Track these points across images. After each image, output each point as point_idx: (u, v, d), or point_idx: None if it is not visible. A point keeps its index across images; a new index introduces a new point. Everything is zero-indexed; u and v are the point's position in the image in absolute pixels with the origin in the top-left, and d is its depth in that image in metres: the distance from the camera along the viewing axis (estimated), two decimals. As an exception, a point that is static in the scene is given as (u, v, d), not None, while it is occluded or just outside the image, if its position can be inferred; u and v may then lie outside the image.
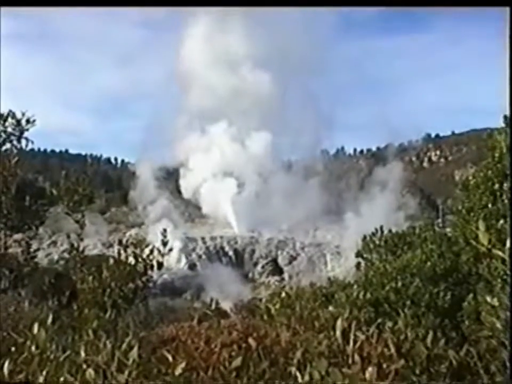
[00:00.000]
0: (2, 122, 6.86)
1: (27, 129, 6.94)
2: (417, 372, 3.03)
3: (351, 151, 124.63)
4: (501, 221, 7.19)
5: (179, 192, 76.61)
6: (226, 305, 35.94)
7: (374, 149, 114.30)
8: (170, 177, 79.71)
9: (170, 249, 7.12)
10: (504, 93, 4.79)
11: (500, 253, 3.15)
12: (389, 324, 3.39)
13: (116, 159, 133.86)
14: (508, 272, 3.32)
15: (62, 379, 3.10)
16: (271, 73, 77.47)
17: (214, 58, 78.60)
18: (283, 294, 6.04)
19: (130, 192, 78.76)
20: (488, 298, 3.29)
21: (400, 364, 2.73)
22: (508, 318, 3.20)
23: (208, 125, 77.03)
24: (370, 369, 2.58)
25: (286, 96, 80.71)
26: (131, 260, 6.95)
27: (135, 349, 3.11)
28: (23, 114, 6.89)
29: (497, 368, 3.09)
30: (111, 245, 60.50)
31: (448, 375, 3.11)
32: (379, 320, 5.72)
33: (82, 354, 3.36)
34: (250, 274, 61.67)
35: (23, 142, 6.99)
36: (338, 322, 3.01)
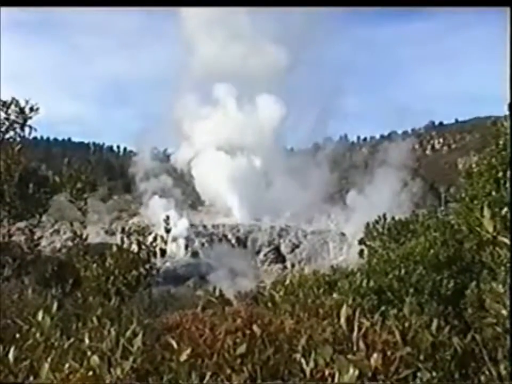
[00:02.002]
0: (5, 109, 6.84)
1: (30, 117, 6.92)
2: (422, 358, 3.04)
3: (355, 139, 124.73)
4: (505, 209, 7.17)
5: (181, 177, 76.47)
6: (229, 293, 36.02)
7: (377, 136, 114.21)
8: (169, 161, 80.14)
9: (168, 230, 7.12)
10: (505, 89, 4.77)
11: (506, 240, 3.14)
12: (393, 311, 3.39)
13: (118, 147, 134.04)
14: (513, 259, 3.31)
15: (66, 366, 3.11)
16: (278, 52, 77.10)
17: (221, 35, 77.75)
18: (287, 282, 6.05)
19: (129, 171, 79.21)
20: (494, 285, 3.29)
21: (405, 351, 2.73)
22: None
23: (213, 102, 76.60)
24: (375, 355, 2.58)
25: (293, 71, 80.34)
26: (134, 247, 6.97)
27: (140, 336, 3.12)
28: (27, 102, 6.88)
29: (503, 355, 3.09)
30: (113, 233, 60.70)
31: (453, 362, 3.11)
32: (382, 308, 5.73)
33: (87, 341, 3.37)
34: (253, 262, 61.76)
35: (26, 130, 6.98)
36: (343, 309, 3.00)
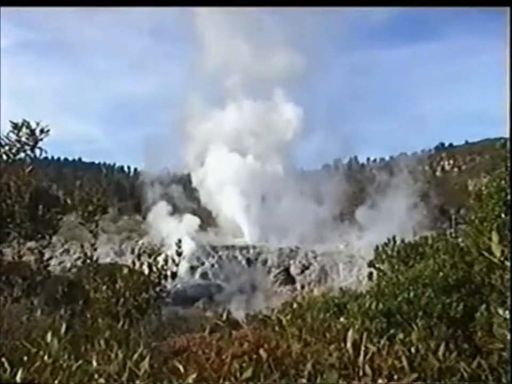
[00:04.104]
0: (16, 131, 6.90)
1: (41, 139, 6.98)
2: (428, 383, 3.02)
3: (364, 160, 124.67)
4: (514, 231, 7.16)
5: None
6: (238, 314, 35.86)
7: (387, 158, 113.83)
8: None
9: (180, 254, 7.11)
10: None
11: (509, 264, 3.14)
12: (401, 335, 3.38)
13: (129, 167, 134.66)
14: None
15: (73, 388, 3.12)
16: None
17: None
18: (295, 305, 6.04)
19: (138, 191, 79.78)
20: (500, 311, 3.28)
21: (411, 377, 2.72)
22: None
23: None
24: (380, 381, 2.58)
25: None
26: (144, 268, 6.98)
27: (147, 359, 3.13)
28: (37, 123, 6.93)
29: (509, 381, 3.07)
30: (123, 253, 60.68)
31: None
32: (391, 331, 5.70)
33: (94, 363, 3.38)
34: (263, 284, 61.53)
35: (37, 151, 7.03)
36: (349, 333, 3.00)
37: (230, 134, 75.01)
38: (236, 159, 72.53)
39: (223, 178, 70.21)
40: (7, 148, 6.93)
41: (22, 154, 7.03)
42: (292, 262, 63.69)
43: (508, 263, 3.21)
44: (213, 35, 76.78)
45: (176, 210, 68.83)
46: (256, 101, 77.24)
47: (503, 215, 8.75)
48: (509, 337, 3.05)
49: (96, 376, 3.14)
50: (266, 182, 72.27)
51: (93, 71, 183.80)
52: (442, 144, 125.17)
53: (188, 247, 54.91)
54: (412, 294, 9.18)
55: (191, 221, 66.21)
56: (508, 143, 8.82)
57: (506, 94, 4.71)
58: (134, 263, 7.01)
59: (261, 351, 3.44)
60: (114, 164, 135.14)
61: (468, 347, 7.12)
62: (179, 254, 7.05)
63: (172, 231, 58.41)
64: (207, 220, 73.12)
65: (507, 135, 8.66)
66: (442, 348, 3.13)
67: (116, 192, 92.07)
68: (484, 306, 8.33)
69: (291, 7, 59.31)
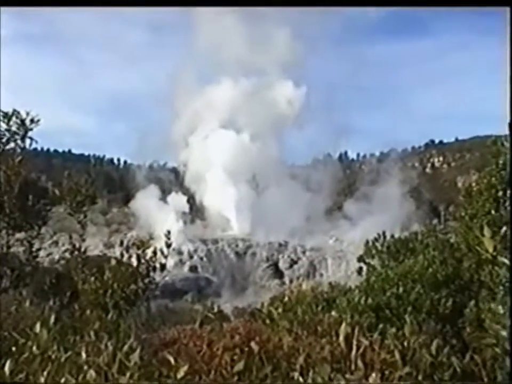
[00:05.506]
0: (6, 121, 6.84)
1: (31, 129, 6.92)
2: (420, 378, 3.01)
3: (354, 156, 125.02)
4: (504, 228, 7.16)
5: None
6: (227, 308, 35.90)
7: (377, 154, 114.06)
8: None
9: (169, 245, 7.06)
10: (505, 107, 4.79)
11: (505, 260, 3.13)
12: (392, 330, 3.36)
13: (118, 160, 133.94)
14: None
15: (62, 380, 3.09)
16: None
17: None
18: (285, 298, 6.02)
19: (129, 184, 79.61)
20: (493, 306, 3.27)
21: (404, 371, 2.71)
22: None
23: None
24: (373, 375, 2.56)
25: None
26: (133, 260, 6.94)
27: (137, 351, 3.10)
28: (28, 113, 6.88)
29: (502, 376, 3.07)
30: (112, 246, 60.56)
31: (452, 382, 3.08)
32: (380, 326, 5.69)
33: (84, 355, 3.35)
34: (251, 278, 61.56)
35: (27, 141, 6.98)
36: (342, 327, 2.99)
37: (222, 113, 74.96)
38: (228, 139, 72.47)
39: (210, 166, 70.43)
40: (-3, 137, 6.88)
41: (12, 144, 6.97)
42: (280, 256, 63.71)
43: (500, 259, 3.20)
44: (208, 19, 76.26)
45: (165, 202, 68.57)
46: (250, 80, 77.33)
47: (493, 212, 8.76)
48: (503, 332, 3.05)
49: (85, 367, 3.11)
50: (256, 171, 72.27)
51: (85, 63, 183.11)
52: (433, 141, 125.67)
53: (175, 229, 54.70)
54: (401, 289, 9.19)
55: (178, 201, 66.21)
56: (507, 140, 8.80)
57: (507, 94, 4.70)
58: (122, 254, 6.97)
59: (252, 344, 3.42)
60: (104, 156, 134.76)
61: (456, 342, 7.14)
62: (168, 246, 6.99)
63: (161, 219, 58.45)
64: (196, 212, 73.01)
65: (506, 133, 8.66)
66: (435, 343, 3.12)
67: (105, 185, 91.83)
68: (472, 302, 8.36)
69: (291, 7, 59.13)
